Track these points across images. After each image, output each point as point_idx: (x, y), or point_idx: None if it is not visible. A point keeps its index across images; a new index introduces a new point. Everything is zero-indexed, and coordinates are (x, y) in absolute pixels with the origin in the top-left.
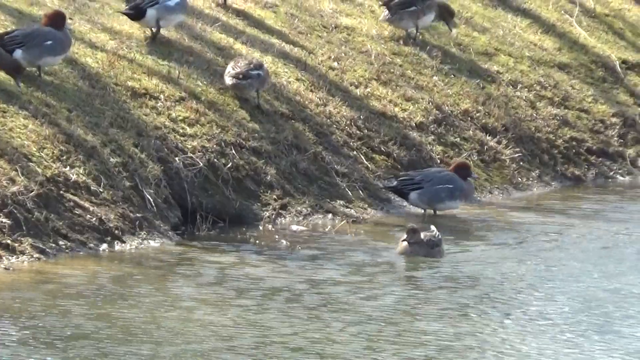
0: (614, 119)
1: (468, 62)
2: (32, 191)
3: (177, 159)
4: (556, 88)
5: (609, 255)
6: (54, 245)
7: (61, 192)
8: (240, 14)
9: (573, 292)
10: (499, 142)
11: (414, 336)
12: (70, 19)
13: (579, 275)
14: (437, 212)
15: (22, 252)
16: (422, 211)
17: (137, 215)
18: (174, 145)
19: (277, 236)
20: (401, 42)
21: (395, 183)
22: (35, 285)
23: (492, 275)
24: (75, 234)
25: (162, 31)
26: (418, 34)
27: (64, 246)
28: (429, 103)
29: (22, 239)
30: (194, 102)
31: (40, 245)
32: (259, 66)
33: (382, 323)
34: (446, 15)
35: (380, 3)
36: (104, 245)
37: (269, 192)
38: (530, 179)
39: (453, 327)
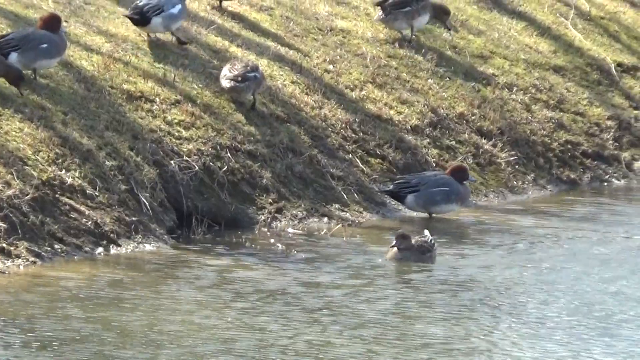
0: (609, 122)
1: (463, 65)
2: (27, 195)
3: (172, 162)
4: (551, 91)
5: (606, 259)
6: (49, 249)
7: (57, 195)
8: (235, 16)
9: (572, 295)
10: (494, 145)
11: (411, 339)
12: (66, 21)
13: (578, 279)
14: (433, 216)
15: (18, 256)
16: (421, 215)
17: (133, 218)
18: (170, 148)
19: (272, 240)
20: (396, 44)
21: (391, 186)
22: (31, 289)
23: (489, 279)
24: (71, 238)
25: (158, 34)
26: (413, 36)
27: (59, 250)
28: (424, 106)
29: (17, 242)
30: (190, 105)
31: (36, 249)
32: (255, 69)
33: (379, 326)
34: (441, 14)
35: (375, 2)
36: (100, 249)
37: (264, 195)
38: (526, 182)
39: (451, 330)
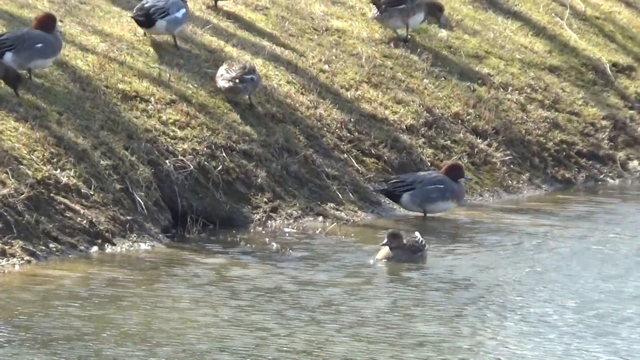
0: (604, 122)
1: (459, 64)
2: (22, 194)
3: (167, 161)
4: (547, 91)
5: (602, 258)
6: (44, 247)
7: (52, 194)
8: (230, 16)
9: (570, 294)
10: (489, 145)
11: (407, 338)
12: (61, 21)
13: (575, 277)
14: (428, 215)
15: (13, 255)
16: (416, 214)
17: (128, 217)
18: (165, 148)
19: (267, 239)
20: (392, 44)
21: (386, 186)
22: (26, 287)
23: (486, 278)
24: (66, 237)
25: (153, 35)
26: (408, 36)
27: (54, 249)
28: (419, 106)
29: (12, 241)
30: (185, 104)
31: (31, 248)
32: (252, 70)
33: (375, 325)
34: (435, 11)
35: (370, 0)
36: (95, 248)
37: (259, 194)
38: (521, 181)
39: (448, 329)
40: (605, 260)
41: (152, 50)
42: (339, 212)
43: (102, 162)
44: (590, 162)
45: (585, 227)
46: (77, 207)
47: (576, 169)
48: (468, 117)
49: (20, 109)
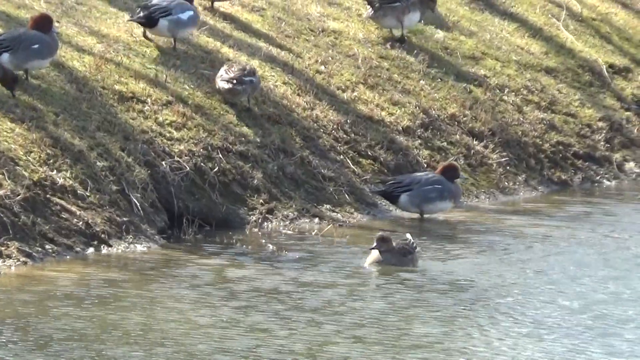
0: (600, 124)
1: (455, 66)
2: (18, 195)
3: (163, 163)
4: (543, 92)
5: (601, 260)
6: (40, 249)
7: (48, 196)
8: (227, 17)
9: (569, 295)
10: (485, 147)
11: (404, 339)
12: (58, 22)
13: (574, 279)
14: (425, 216)
15: (9, 256)
16: (412, 216)
17: (124, 219)
18: (161, 149)
19: (263, 240)
20: (388, 45)
21: (384, 187)
22: (22, 288)
23: (484, 279)
24: (62, 238)
25: (155, 35)
26: (405, 36)
27: (50, 250)
28: (415, 107)
29: (8, 242)
30: (181, 106)
31: (27, 249)
32: (253, 72)
33: (373, 327)
34: (428, 1)
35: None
36: (91, 249)
37: (255, 196)
38: (517, 183)
39: (445, 330)
40: (604, 261)
41: (148, 51)
42: (335, 213)
43: (98, 163)
44: (587, 163)
45: (582, 229)
46: (74, 208)
47: (572, 171)
48: (464, 119)
49: (17, 110)
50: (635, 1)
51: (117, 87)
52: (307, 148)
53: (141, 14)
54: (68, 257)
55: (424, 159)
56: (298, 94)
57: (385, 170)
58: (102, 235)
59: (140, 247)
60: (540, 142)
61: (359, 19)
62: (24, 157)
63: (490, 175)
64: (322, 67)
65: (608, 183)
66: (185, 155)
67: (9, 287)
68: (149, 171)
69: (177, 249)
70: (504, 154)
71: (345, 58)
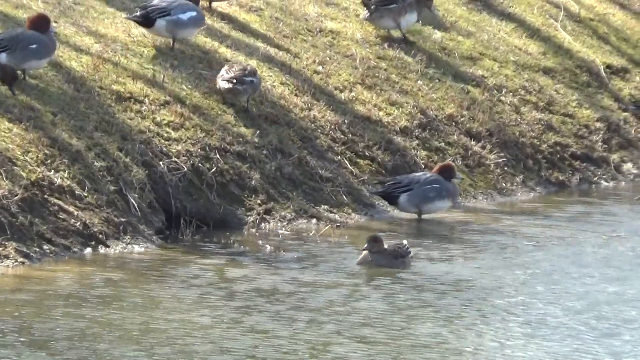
0: (598, 124)
1: (453, 66)
2: (16, 195)
3: (161, 163)
4: (541, 93)
5: (600, 260)
6: (38, 249)
7: (45, 196)
8: (225, 17)
9: (570, 296)
10: (483, 147)
11: (404, 339)
12: (55, 22)
13: (574, 280)
14: (423, 216)
15: (6, 257)
16: (410, 217)
17: (122, 219)
18: (159, 149)
19: (261, 241)
20: (386, 45)
21: (383, 188)
22: (20, 288)
23: (483, 280)
24: (60, 238)
25: (148, 35)
26: (405, 36)
27: (48, 250)
28: (413, 107)
29: (6, 243)
30: (179, 106)
31: (25, 250)
32: (254, 72)
33: (373, 327)
34: (425, 0)
35: (361, 0)
36: (88, 250)
37: (253, 196)
38: (515, 184)
39: (446, 330)
40: (604, 262)
41: (146, 51)
42: (332, 214)
43: (96, 163)
44: (584, 164)
45: (580, 229)
46: (71, 208)
47: (570, 172)
48: (462, 119)
49: (15, 110)
50: (633, 2)
51: (114, 87)
52: (304, 148)
53: (138, 13)
54: (66, 257)
55: (422, 160)
56: (296, 94)
57: (383, 171)
58: (100, 236)
59: (137, 248)
60: (538, 143)
61: (356, 19)
62: (22, 157)
63: (488, 176)
64: (320, 68)
65: (605, 184)
66: (183, 156)
67: (7, 287)
68: (147, 171)
69: (174, 249)
70: (502, 154)
71: (343, 58)
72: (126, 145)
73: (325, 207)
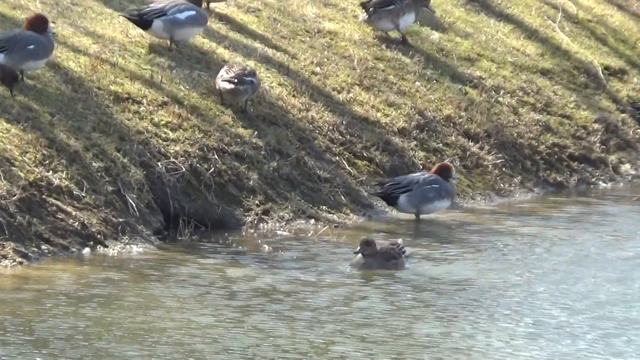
0: (596, 125)
1: (451, 67)
2: (14, 195)
3: (159, 163)
4: (539, 94)
5: (600, 261)
6: (36, 249)
7: (44, 196)
8: (222, 18)
9: (570, 296)
10: (481, 148)
11: (405, 339)
12: (53, 22)
13: (574, 280)
14: (421, 216)
15: (5, 257)
16: (408, 217)
17: (120, 219)
18: (157, 150)
19: (259, 241)
20: (384, 46)
21: (383, 189)
22: (18, 288)
23: (483, 280)
24: (58, 239)
25: (146, 35)
26: (404, 37)
27: (46, 250)
28: (411, 108)
29: (4, 243)
30: (177, 106)
31: (23, 250)
32: (253, 73)
33: (372, 327)
34: (422, 1)
35: (359, 3)
36: (87, 250)
37: (251, 197)
38: (513, 185)
39: (445, 331)
40: (604, 262)
41: (144, 51)
42: (331, 214)
43: (94, 164)
44: (582, 165)
45: (579, 230)
46: (69, 209)
47: (568, 173)
48: (460, 120)
49: (13, 111)
50: (631, 3)
51: (112, 87)
52: (302, 149)
53: (135, 13)
54: (64, 257)
55: (420, 161)
56: (293, 95)
57: (381, 172)
58: (98, 236)
59: (136, 248)
60: (536, 144)
61: (354, 20)
62: (20, 158)
63: (486, 177)
64: (318, 69)
65: (604, 185)
66: (181, 156)
67: (5, 287)
68: (145, 172)
69: (172, 249)
70: (500, 155)
71: (341, 59)
72: (124, 145)
73: (324, 207)
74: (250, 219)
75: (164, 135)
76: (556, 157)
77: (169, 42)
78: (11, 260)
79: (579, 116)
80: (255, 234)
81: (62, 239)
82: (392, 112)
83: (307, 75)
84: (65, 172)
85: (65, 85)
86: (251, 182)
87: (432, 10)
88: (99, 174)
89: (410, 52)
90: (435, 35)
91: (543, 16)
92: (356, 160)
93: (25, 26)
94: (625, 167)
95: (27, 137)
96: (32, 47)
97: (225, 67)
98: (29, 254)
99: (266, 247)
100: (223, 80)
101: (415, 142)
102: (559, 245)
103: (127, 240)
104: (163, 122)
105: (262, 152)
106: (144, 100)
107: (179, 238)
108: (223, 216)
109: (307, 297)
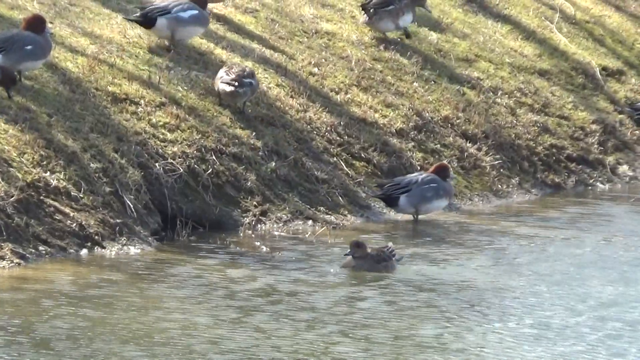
0: (594, 126)
1: (448, 68)
2: (12, 196)
3: (157, 164)
4: (536, 95)
5: (599, 262)
6: (34, 250)
7: (41, 197)
8: (220, 19)
9: (570, 297)
10: (479, 149)
11: (404, 340)
12: (51, 23)
13: (574, 281)
14: (420, 217)
15: (2, 258)
16: (406, 218)
17: (117, 220)
18: (154, 150)
19: (257, 242)
20: (382, 47)
21: (382, 190)
22: (16, 289)
23: (483, 281)
24: (56, 240)
25: (144, 36)
26: (401, 34)
27: (44, 251)
28: (409, 109)
29: (2, 244)
30: (175, 107)
31: (21, 251)
32: (252, 75)
33: (371, 328)
34: (419, 1)
35: (359, 4)
36: (84, 251)
37: (249, 198)
38: (510, 186)
39: (444, 332)
40: (604, 263)
41: (142, 52)
42: (328, 215)
43: (91, 164)
44: (580, 166)
45: (578, 231)
46: (67, 210)
47: (566, 174)
48: (458, 121)
49: (10, 111)
50: (628, 4)
51: (110, 88)
52: (300, 150)
53: (138, 13)
54: (61, 258)
55: (418, 162)
56: (291, 96)
57: (379, 173)
58: (96, 237)
59: (133, 249)
60: (534, 145)
61: (352, 21)
62: (17, 159)
63: (484, 178)
64: (316, 69)
65: (601, 186)
66: (179, 157)
67: (3, 288)
68: (143, 173)
69: (170, 250)
70: (497, 156)
71: (339, 60)
72: (122, 146)
73: (321, 208)
74: (248, 220)
75: (161, 136)
76: (554, 158)
77: (171, 40)
78: (9, 262)
79: (577, 117)
80: (253, 235)
81: (60, 240)
82: (389, 113)
83: (305, 76)
84: (62, 173)
85: (63, 85)
86: (249, 183)
87: (428, 9)
88: (97, 174)
89: (408, 53)
90: (433, 36)
91: (541, 17)
92: (354, 161)
93: (23, 26)
94: (623, 169)
95: (24, 137)
96: (29, 47)
97: (224, 68)
98: (27, 255)
99: (264, 248)
100: (222, 82)
101: (413, 143)
102: (559, 245)
103: (124, 241)
104: (161, 123)
105: (260, 153)
106: (142, 101)
107: (177, 239)
108: (221, 217)
109: (307, 298)
